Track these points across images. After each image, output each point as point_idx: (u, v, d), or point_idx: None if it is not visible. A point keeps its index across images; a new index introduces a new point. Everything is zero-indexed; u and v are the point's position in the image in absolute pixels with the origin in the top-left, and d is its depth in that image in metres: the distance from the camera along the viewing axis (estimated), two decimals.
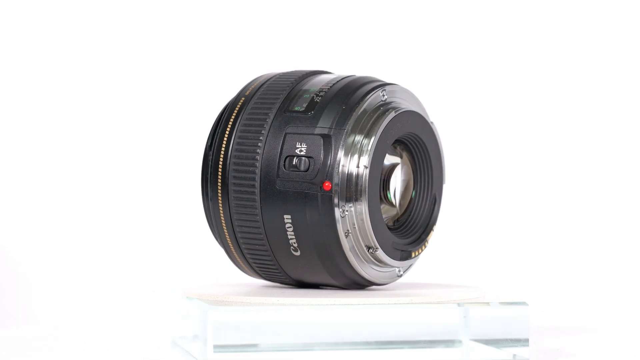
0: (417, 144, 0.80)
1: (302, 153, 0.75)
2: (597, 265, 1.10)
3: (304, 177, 0.75)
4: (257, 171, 0.77)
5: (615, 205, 1.13)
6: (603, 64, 1.14)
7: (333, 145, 0.75)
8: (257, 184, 0.77)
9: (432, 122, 0.80)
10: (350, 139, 0.75)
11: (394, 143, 0.79)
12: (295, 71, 0.82)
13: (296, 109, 0.77)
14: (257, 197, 0.77)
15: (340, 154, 0.75)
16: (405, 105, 0.79)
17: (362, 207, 0.75)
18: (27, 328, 0.94)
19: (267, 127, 0.77)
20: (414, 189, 0.81)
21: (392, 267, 0.79)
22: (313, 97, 0.78)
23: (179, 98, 1.14)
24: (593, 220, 1.13)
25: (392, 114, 0.77)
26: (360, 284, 0.79)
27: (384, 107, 0.77)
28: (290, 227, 0.76)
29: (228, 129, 0.79)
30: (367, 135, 0.76)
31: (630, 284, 1.08)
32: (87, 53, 1.13)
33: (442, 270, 1.05)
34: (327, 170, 0.75)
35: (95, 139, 1.13)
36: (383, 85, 0.79)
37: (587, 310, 1.01)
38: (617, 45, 1.14)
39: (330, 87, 0.78)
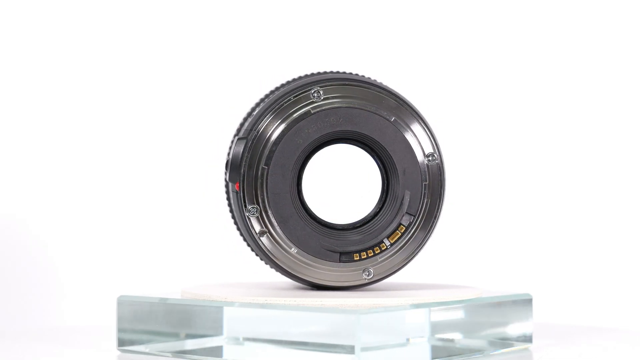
0: (373, 144, 0.78)
1: (229, 156, 0.78)
2: (597, 265, 1.10)
3: (226, 178, 0.78)
4: (225, 174, 0.80)
5: (614, 204, 1.13)
6: (603, 65, 1.14)
7: (245, 147, 0.76)
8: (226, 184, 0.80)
9: (394, 120, 0.77)
10: (262, 140, 0.77)
11: (345, 143, 0.78)
12: (298, 76, 0.82)
13: (253, 113, 0.79)
14: (228, 196, 0.80)
15: (251, 154, 0.76)
16: (350, 103, 0.77)
17: (267, 206, 0.76)
18: (22, 326, 0.95)
19: (236, 131, 0.80)
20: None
21: (347, 268, 0.77)
22: (267, 99, 0.79)
23: (189, 98, 1.16)
24: (592, 220, 1.13)
25: (310, 114, 0.76)
26: (318, 285, 0.78)
27: (310, 107, 0.76)
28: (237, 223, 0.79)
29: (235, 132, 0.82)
30: (278, 136, 0.76)
31: (629, 284, 1.08)
32: (111, 55, 1.14)
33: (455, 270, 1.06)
34: (237, 171, 0.76)
35: (107, 141, 1.14)
36: (316, 83, 0.77)
37: (585, 310, 1.01)
38: (617, 47, 1.13)
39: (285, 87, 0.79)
